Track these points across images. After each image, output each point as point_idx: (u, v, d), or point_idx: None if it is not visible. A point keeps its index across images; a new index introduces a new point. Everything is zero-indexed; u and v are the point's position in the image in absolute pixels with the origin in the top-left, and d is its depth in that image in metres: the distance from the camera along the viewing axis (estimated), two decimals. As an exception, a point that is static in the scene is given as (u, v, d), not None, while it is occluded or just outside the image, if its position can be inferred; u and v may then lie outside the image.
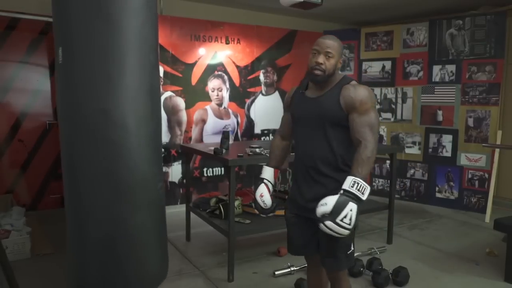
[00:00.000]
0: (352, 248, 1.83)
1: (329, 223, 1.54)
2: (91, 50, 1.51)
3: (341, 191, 1.58)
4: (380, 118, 5.19)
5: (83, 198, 1.56)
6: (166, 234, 1.70)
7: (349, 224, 1.54)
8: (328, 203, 1.56)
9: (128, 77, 1.54)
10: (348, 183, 1.59)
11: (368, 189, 1.60)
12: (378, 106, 5.22)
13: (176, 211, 4.45)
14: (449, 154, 4.80)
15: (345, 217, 1.53)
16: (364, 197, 1.58)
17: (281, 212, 3.20)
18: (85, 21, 1.50)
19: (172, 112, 4.54)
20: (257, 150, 3.06)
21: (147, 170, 1.61)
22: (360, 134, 1.68)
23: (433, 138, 4.92)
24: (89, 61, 1.52)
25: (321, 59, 1.74)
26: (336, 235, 1.55)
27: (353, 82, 1.79)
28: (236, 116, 4.98)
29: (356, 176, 1.60)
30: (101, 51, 1.51)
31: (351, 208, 1.54)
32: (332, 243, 1.76)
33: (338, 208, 1.54)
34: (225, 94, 4.88)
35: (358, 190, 1.57)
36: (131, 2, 1.53)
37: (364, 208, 1.87)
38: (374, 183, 5.37)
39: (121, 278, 1.54)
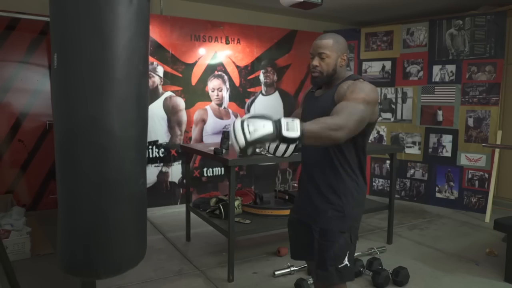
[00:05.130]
0: (346, 262, 1.68)
1: (237, 120, 1.40)
2: (83, 62, 1.68)
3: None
4: (380, 118, 5.19)
5: (71, 193, 1.71)
6: (146, 222, 1.86)
7: (248, 133, 1.36)
8: (257, 113, 1.44)
9: (117, 87, 1.71)
10: (287, 118, 1.43)
11: (293, 134, 1.39)
12: (379, 106, 5.21)
13: (176, 211, 4.45)
14: (449, 154, 4.81)
15: (252, 125, 1.37)
16: (285, 132, 1.38)
17: (281, 212, 3.23)
18: (79, 34, 1.62)
19: (172, 112, 4.54)
20: (257, 150, 3.06)
21: (130, 169, 1.75)
22: (334, 113, 1.52)
23: (433, 138, 4.93)
24: (81, 72, 1.69)
25: (315, 61, 1.70)
26: (232, 134, 1.38)
27: (360, 80, 1.67)
28: (236, 116, 4.98)
29: (301, 123, 1.42)
30: (92, 63, 1.68)
31: (265, 126, 1.37)
32: (322, 253, 1.69)
33: (256, 116, 1.40)
34: (225, 94, 4.88)
35: (287, 124, 1.39)
36: (121, 18, 1.67)
37: (364, 208, 1.84)
38: (374, 183, 5.38)
39: (103, 258, 1.72)
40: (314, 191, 1.76)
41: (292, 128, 1.39)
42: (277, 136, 1.39)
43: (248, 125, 1.38)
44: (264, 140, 1.40)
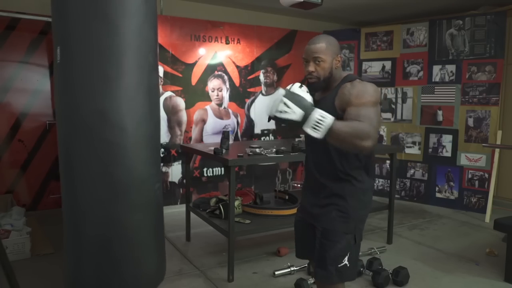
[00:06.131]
0: (345, 263, 1.67)
1: (281, 91, 1.44)
2: (89, 51, 1.52)
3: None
4: (380, 118, 5.19)
5: (79, 197, 1.57)
6: (164, 235, 1.70)
7: (278, 110, 1.41)
8: (301, 92, 1.47)
9: (126, 77, 1.54)
10: (322, 114, 1.42)
11: (316, 134, 1.41)
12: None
13: (176, 211, 4.45)
14: (449, 154, 4.80)
15: (286, 105, 1.40)
16: (309, 129, 1.41)
17: (281, 212, 3.23)
18: (83, 22, 1.51)
19: (172, 112, 4.54)
20: (257, 150, 3.06)
21: (144, 171, 1.61)
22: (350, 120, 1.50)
23: (433, 138, 4.92)
24: (87, 62, 1.52)
25: (311, 67, 1.66)
26: (271, 100, 1.44)
27: (357, 81, 1.63)
28: (236, 116, 4.98)
29: (332, 119, 1.42)
30: (99, 52, 1.52)
31: (296, 112, 1.41)
32: (323, 252, 1.69)
33: (294, 96, 1.43)
34: (225, 94, 4.88)
35: (317, 120, 1.40)
36: (129, 2, 1.52)
37: (371, 208, 1.84)
38: (374, 183, 5.37)
39: (117, 278, 1.54)
40: (318, 192, 1.76)
41: (319, 127, 1.41)
42: (300, 128, 1.44)
43: (283, 103, 1.42)
44: (287, 123, 1.44)
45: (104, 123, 1.50)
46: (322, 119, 1.42)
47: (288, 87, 1.54)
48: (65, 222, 1.60)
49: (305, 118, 1.42)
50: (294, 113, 1.42)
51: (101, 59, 1.52)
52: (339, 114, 1.58)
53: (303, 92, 1.50)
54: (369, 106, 1.54)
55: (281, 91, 1.45)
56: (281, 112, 1.42)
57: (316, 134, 1.42)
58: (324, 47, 1.65)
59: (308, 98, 1.48)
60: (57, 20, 1.58)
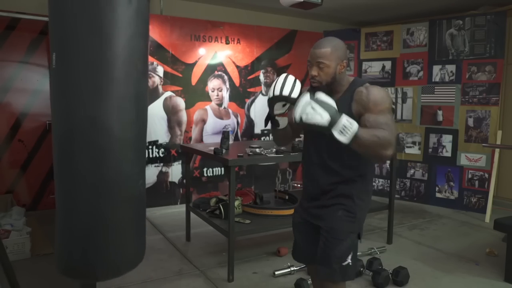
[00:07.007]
0: (349, 261, 1.70)
1: (307, 96, 1.50)
2: (82, 61, 1.67)
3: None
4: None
5: (69, 194, 1.72)
6: (145, 224, 1.88)
7: (306, 114, 1.46)
8: (326, 99, 1.50)
9: (115, 86, 1.70)
10: (347, 119, 1.47)
11: (343, 139, 1.46)
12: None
13: (176, 211, 4.45)
14: (449, 154, 4.81)
15: (314, 109, 1.46)
16: (336, 133, 1.46)
17: (281, 212, 3.23)
18: (78, 33, 1.63)
19: (172, 112, 4.54)
20: (257, 150, 3.06)
21: (128, 170, 1.76)
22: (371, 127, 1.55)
23: (433, 138, 4.93)
24: (79, 71, 1.67)
25: (314, 71, 1.65)
26: (297, 105, 1.50)
27: (367, 84, 1.66)
28: (236, 116, 4.98)
29: (357, 125, 1.47)
30: (91, 62, 1.67)
31: (323, 117, 1.45)
32: (328, 250, 1.70)
33: (321, 102, 1.48)
34: (225, 94, 4.88)
35: (344, 125, 1.45)
36: (121, 18, 1.66)
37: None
38: (374, 183, 5.37)
39: (101, 261, 1.74)
40: (324, 193, 1.76)
41: (346, 132, 1.46)
42: (327, 132, 1.47)
43: (311, 107, 1.47)
44: (314, 128, 1.48)
45: (93, 128, 1.65)
46: (349, 124, 1.46)
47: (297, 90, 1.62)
48: (57, 215, 1.76)
49: (333, 122, 1.45)
50: (321, 116, 1.45)
51: (92, 68, 1.68)
52: (356, 119, 1.58)
53: (328, 98, 1.52)
54: (386, 113, 1.58)
55: (307, 97, 1.49)
56: (308, 114, 1.46)
57: (343, 139, 1.46)
58: (329, 52, 1.63)
59: (334, 104, 1.50)
60: (53, 26, 1.69)
